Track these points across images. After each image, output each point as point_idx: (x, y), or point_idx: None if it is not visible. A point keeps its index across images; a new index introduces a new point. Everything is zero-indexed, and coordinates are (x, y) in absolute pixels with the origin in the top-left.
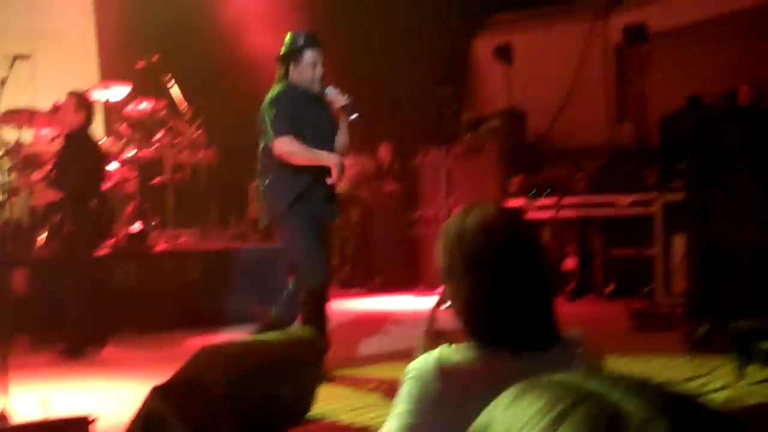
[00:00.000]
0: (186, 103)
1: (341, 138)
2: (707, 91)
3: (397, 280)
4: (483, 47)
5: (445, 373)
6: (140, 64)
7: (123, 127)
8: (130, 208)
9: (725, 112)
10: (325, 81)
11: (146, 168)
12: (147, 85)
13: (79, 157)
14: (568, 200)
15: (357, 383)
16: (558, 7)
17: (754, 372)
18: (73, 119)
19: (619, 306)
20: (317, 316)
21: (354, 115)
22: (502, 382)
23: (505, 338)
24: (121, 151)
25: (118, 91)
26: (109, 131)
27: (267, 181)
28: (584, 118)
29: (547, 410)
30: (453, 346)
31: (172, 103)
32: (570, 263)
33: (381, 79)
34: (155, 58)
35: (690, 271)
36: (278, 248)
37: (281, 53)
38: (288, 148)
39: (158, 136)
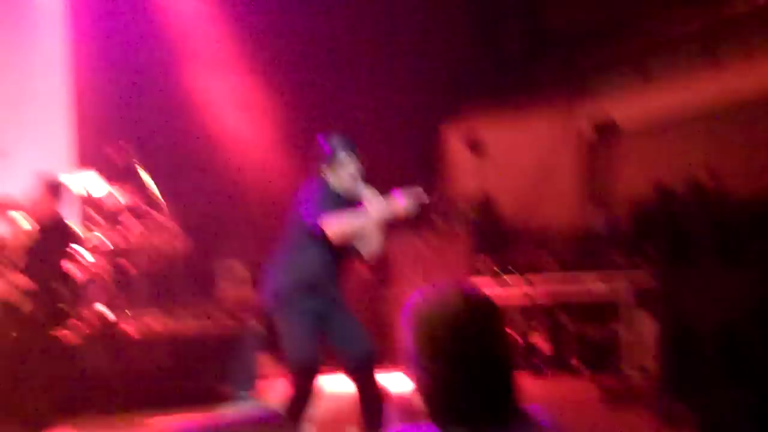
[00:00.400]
0: (154, 188)
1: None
2: (675, 178)
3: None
4: (453, 135)
5: None
6: (110, 151)
7: (93, 213)
8: (97, 292)
9: (693, 198)
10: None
11: (115, 252)
12: (116, 172)
13: (52, 245)
14: (538, 278)
15: None
16: (527, 98)
17: None
18: (47, 206)
19: (587, 382)
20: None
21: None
22: None
23: (466, 420)
24: (90, 235)
25: (89, 178)
26: (79, 216)
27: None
28: (554, 202)
29: None
30: (414, 427)
31: (140, 189)
32: (539, 339)
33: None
34: (124, 145)
35: (660, 350)
36: (247, 329)
37: (320, 159)
38: (336, 226)
39: (127, 222)
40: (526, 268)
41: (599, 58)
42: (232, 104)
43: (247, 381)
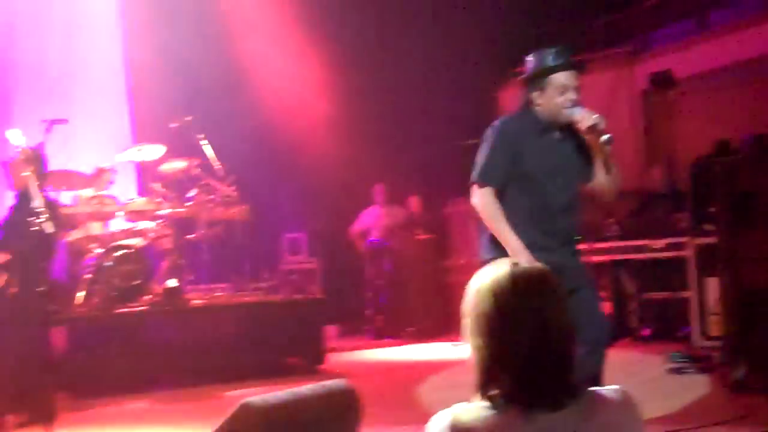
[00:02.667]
0: (218, 161)
1: (600, 169)
2: (736, 134)
3: (430, 328)
4: (510, 98)
5: None
6: (173, 125)
7: (157, 186)
8: (165, 264)
9: (754, 155)
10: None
11: (181, 225)
12: (180, 145)
13: (29, 216)
14: (600, 245)
15: None
16: (584, 56)
17: None
18: (22, 176)
19: (655, 349)
20: None
21: (605, 136)
22: None
23: (516, 399)
24: (157, 209)
25: (151, 151)
26: (145, 190)
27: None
28: (617, 164)
29: None
30: (466, 405)
31: (205, 162)
32: (605, 307)
33: (409, 131)
34: (188, 118)
35: (724, 314)
36: (311, 300)
37: (524, 77)
38: (484, 207)
39: (192, 193)
40: (588, 234)
41: (657, 12)
42: (296, 79)
43: (316, 354)
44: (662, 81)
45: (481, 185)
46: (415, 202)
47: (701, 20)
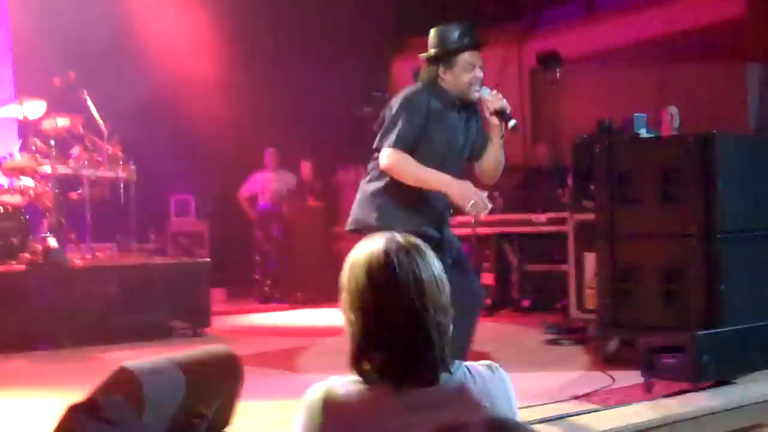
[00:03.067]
0: (103, 120)
1: (493, 152)
2: (618, 115)
3: (318, 294)
4: (403, 68)
5: (328, 406)
6: (56, 81)
7: (39, 143)
8: (46, 223)
9: (632, 135)
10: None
11: (63, 183)
12: (63, 102)
13: None
14: (485, 218)
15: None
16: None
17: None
18: None
19: (535, 320)
20: None
21: (512, 122)
22: (385, 418)
23: (388, 374)
24: (37, 166)
25: (33, 107)
26: (25, 147)
27: (370, 189)
28: None
29: None
30: (341, 379)
31: (89, 120)
32: (487, 279)
33: (302, 97)
34: (71, 75)
35: (600, 288)
36: (198, 262)
37: (429, 54)
38: (396, 163)
39: (75, 151)
40: None
41: None
42: (186, 38)
43: (201, 317)
44: (549, 60)
45: (391, 148)
46: (306, 168)
47: (589, 3)
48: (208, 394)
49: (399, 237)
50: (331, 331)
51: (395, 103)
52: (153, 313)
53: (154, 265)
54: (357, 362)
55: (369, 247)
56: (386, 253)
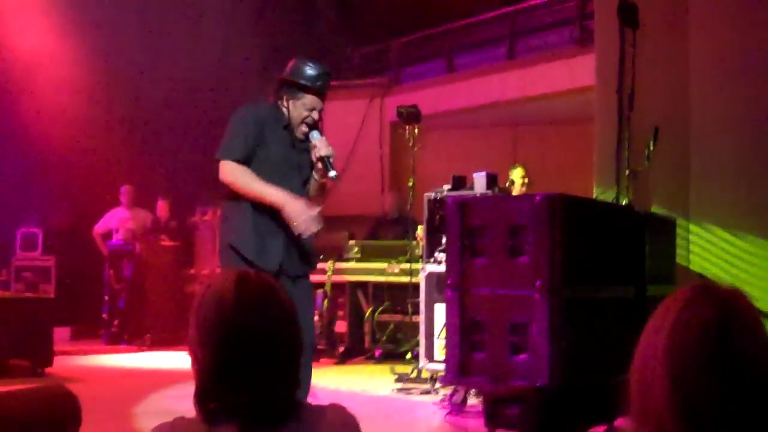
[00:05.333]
0: None
1: (312, 190)
2: (471, 171)
3: (169, 336)
4: None
5: None
6: None
7: None
8: None
9: (484, 192)
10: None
11: None
12: None
13: None
14: (340, 266)
15: None
16: (340, 83)
17: None
18: None
19: (386, 369)
20: None
21: (332, 172)
22: None
23: (233, 414)
24: None
25: None
26: None
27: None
28: (359, 188)
29: None
30: (185, 420)
31: None
32: (341, 326)
33: (160, 134)
34: None
35: (449, 339)
36: (41, 299)
37: (282, 77)
38: (232, 174)
39: None
40: (330, 254)
41: (409, 52)
42: (40, 67)
43: (43, 356)
44: (408, 114)
45: (226, 159)
46: (162, 207)
47: (449, 63)
48: None
49: (251, 272)
50: (180, 375)
51: (233, 116)
52: None
53: None
54: (202, 401)
55: (220, 282)
56: (236, 289)
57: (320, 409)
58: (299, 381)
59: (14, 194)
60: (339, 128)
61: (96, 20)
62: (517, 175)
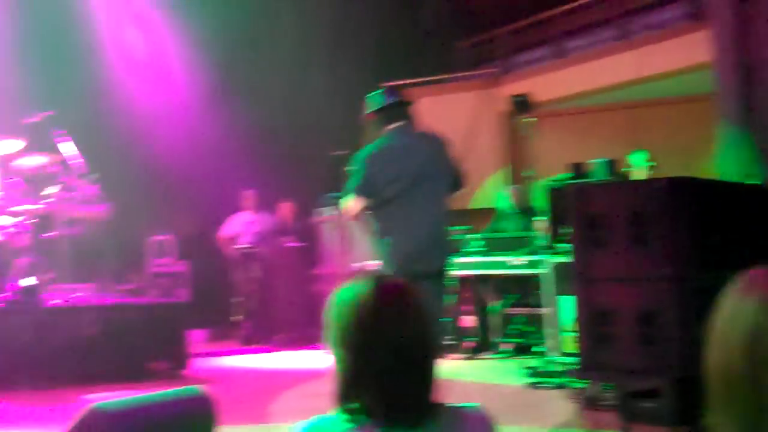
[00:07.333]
0: (81, 159)
1: None
2: (589, 158)
3: (297, 336)
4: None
5: None
6: (32, 119)
7: (15, 182)
8: (22, 262)
9: (605, 179)
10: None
11: (40, 223)
12: (40, 141)
13: None
14: (465, 259)
15: None
16: (449, 75)
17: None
18: None
19: (514, 363)
20: None
21: None
22: None
23: (374, 414)
24: (13, 204)
25: (10, 145)
26: (1, 185)
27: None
28: (476, 180)
29: None
30: (324, 417)
31: (66, 159)
32: (468, 322)
33: (285, 136)
34: (48, 113)
35: (578, 332)
36: (178, 303)
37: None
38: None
39: (51, 190)
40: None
41: (518, 40)
42: (165, 84)
43: (179, 358)
44: (522, 103)
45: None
46: (285, 209)
47: (559, 48)
48: None
49: (389, 275)
50: (310, 374)
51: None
52: (130, 354)
53: (133, 306)
54: (344, 400)
55: (358, 285)
56: (374, 292)
57: (458, 411)
58: (435, 383)
59: (146, 205)
60: (450, 121)
61: (211, 32)
62: (640, 159)
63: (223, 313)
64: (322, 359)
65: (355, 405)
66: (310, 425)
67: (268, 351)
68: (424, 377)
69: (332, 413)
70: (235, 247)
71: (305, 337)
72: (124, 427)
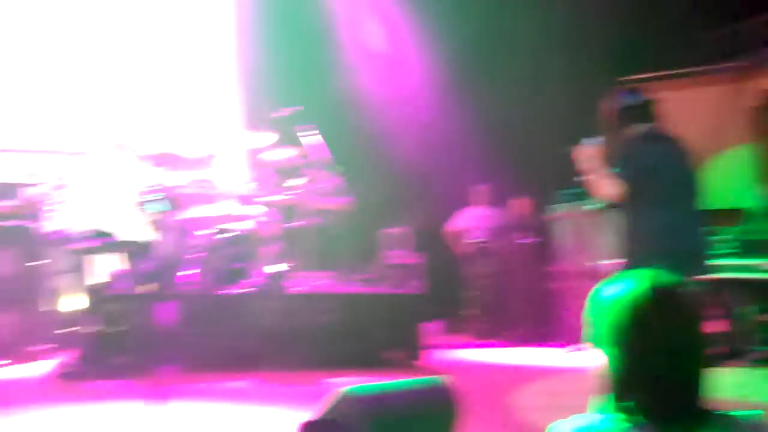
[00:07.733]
0: (327, 152)
1: None
2: None
3: (531, 333)
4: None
5: None
6: (282, 114)
7: (266, 173)
8: (269, 250)
9: None
10: None
11: (284, 212)
12: (288, 134)
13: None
14: (715, 262)
15: None
16: (696, 70)
17: None
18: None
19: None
20: None
21: None
22: None
23: (652, 414)
24: (263, 195)
25: (263, 139)
26: (252, 176)
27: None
28: (723, 180)
29: None
30: (600, 417)
31: (313, 152)
32: (720, 326)
33: (519, 131)
34: (298, 108)
35: None
36: (414, 295)
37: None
38: None
39: (298, 181)
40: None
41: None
42: (409, 75)
43: (412, 349)
44: None
45: None
46: (523, 205)
47: None
48: (424, 424)
49: (664, 276)
50: (544, 372)
51: None
52: (367, 342)
53: (371, 295)
54: (619, 399)
55: (634, 285)
56: (654, 295)
57: (730, 419)
58: (708, 389)
59: (385, 197)
60: (692, 117)
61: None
62: None
63: (455, 306)
64: (559, 357)
65: (631, 404)
66: (585, 425)
67: (502, 346)
68: (699, 382)
69: (594, 413)
70: (467, 241)
71: (539, 334)
72: (374, 411)
